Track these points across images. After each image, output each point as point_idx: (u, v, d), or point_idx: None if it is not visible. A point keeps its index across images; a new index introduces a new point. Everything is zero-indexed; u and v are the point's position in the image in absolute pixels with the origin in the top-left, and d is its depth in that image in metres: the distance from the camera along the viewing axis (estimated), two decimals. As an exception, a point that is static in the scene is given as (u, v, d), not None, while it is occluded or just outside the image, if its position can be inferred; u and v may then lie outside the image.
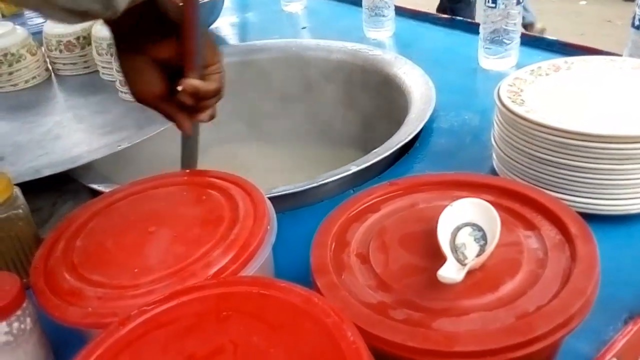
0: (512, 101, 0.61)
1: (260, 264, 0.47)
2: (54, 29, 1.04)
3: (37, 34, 1.08)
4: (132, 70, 0.53)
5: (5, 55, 0.99)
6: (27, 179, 0.69)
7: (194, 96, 0.52)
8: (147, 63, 0.52)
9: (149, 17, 0.49)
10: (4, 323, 0.43)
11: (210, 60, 0.53)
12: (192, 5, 0.49)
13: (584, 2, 4.86)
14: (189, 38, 0.50)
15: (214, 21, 1.32)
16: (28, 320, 0.45)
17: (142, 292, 0.43)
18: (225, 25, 1.38)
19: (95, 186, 0.71)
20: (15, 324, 0.44)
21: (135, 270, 0.45)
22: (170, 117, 0.56)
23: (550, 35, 1.05)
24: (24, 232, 0.56)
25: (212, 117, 0.56)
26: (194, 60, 0.51)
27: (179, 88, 0.51)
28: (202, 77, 0.53)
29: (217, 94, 0.54)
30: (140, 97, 0.55)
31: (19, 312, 0.44)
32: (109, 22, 0.51)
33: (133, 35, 0.50)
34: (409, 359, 0.35)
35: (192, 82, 0.51)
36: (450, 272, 0.37)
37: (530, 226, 0.44)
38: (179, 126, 0.56)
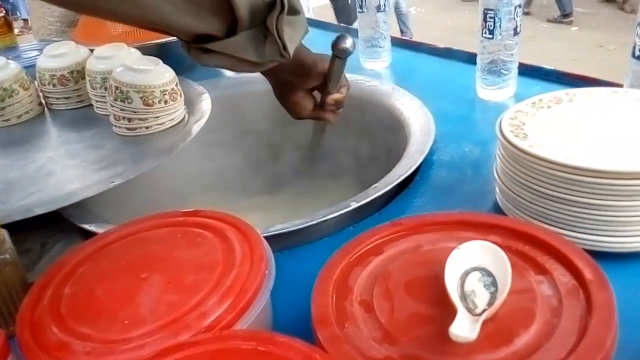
0: (515, 135, 0.60)
1: (258, 311, 0.44)
2: (47, 63, 1.03)
3: (29, 67, 1.06)
4: (292, 103, 0.78)
5: (-3, 90, 0.98)
6: (17, 218, 0.67)
7: (335, 104, 0.81)
8: (302, 94, 0.78)
9: (300, 65, 0.72)
10: (-15, 381, 0.40)
11: (341, 81, 0.80)
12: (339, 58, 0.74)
13: (576, 28, 4.94)
14: (332, 73, 0.76)
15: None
16: (12, 376, 0.42)
17: (132, 346, 0.41)
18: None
19: (87, 226, 0.69)
20: (-2, 382, 0.41)
21: (126, 321, 0.43)
22: (319, 118, 0.83)
23: (543, 61, 1.04)
24: (11, 277, 0.54)
25: (337, 117, 0.84)
26: (334, 83, 0.78)
27: (329, 101, 0.80)
28: (337, 91, 0.80)
29: (343, 101, 0.82)
30: (299, 116, 0.81)
31: (1, 368, 0.41)
32: (270, 74, 0.73)
33: (290, 79, 0.75)
34: (420, 422, 0.32)
35: (335, 96, 0.79)
36: (464, 329, 0.35)
37: (542, 270, 0.42)
38: (327, 121, 0.83)
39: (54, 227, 0.73)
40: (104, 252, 0.52)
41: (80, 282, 0.49)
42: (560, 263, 0.42)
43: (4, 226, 0.56)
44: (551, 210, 0.56)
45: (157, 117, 0.89)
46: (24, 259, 0.67)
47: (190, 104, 0.96)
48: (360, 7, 1.13)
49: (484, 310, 0.37)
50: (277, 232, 0.64)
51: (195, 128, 0.88)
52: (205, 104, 0.95)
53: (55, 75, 1.02)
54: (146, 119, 0.89)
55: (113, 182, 0.75)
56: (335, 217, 0.67)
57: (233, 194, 1.13)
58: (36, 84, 1.05)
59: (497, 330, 0.37)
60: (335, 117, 0.83)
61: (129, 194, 0.88)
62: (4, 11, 1.50)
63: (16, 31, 1.64)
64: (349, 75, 1.09)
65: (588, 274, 0.39)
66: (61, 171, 0.83)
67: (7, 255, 0.54)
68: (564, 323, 0.37)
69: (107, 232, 0.55)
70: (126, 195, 0.87)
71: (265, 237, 0.52)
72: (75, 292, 0.48)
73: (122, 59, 0.93)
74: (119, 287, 0.47)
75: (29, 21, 1.66)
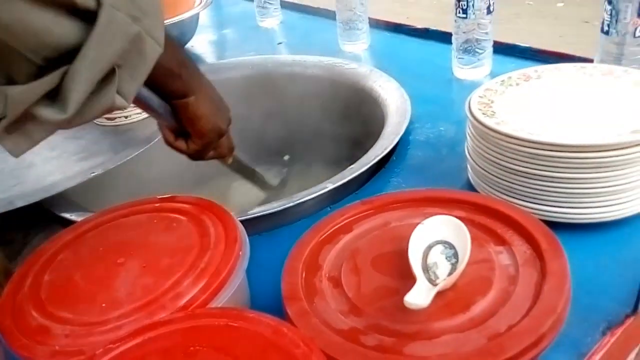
0: (483, 113, 0.61)
1: (232, 291, 0.46)
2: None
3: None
4: None
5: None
6: None
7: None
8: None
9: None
10: (-32, 366, 0.42)
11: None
12: None
13: (561, 4, 4.93)
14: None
15: (189, 39, 1.31)
16: (-6, 361, 0.44)
17: (110, 327, 0.42)
18: (202, 42, 1.38)
19: (68, 215, 0.70)
20: (-20, 367, 0.42)
21: (103, 305, 0.44)
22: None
23: (529, 38, 1.05)
24: (-8, 267, 0.55)
25: (222, 155, 0.72)
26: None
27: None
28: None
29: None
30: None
31: (-17, 354, 0.43)
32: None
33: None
34: (381, 387, 0.34)
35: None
36: (417, 297, 0.36)
37: (502, 242, 0.43)
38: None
39: (36, 217, 0.74)
40: (82, 240, 0.53)
41: (59, 269, 0.50)
42: (519, 234, 0.44)
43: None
44: (517, 185, 0.58)
45: (135, 107, 0.90)
46: (7, 249, 0.68)
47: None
48: (338, -11, 1.14)
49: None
50: (255, 215, 0.66)
51: (174, 116, 0.89)
52: (184, 92, 0.96)
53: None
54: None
55: (93, 173, 0.76)
56: (312, 198, 0.68)
57: (214, 180, 1.14)
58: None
59: (455, 298, 0.39)
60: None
61: (110, 183, 0.88)
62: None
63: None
64: (327, 59, 1.11)
65: (544, 244, 0.41)
66: (42, 163, 0.84)
67: (-12, 246, 0.55)
68: (519, 290, 0.38)
69: (85, 220, 0.56)
70: (107, 185, 0.88)
71: (244, 220, 0.54)
72: (54, 278, 0.49)
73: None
74: (97, 272, 0.48)
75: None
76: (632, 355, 0.50)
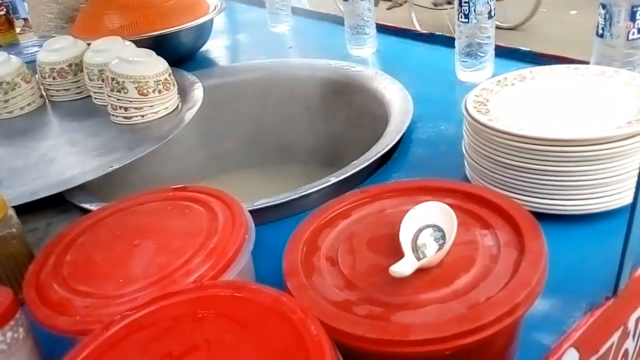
0: (477, 111, 0.65)
1: (238, 270, 0.50)
2: (47, 57, 1.08)
3: (31, 62, 1.12)
4: None
5: (0, 83, 1.03)
6: (24, 201, 0.72)
7: None
8: None
9: None
10: (-2, 333, 0.46)
11: None
12: None
13: (574, 12, 4.93)
14: None
15: (204, 43, 1.36)
16: (21, 330, 0.48)
17: (126, 300, 0.46)
18: (216, 47, 1.43)
19: (87, 205, 0.74)
20: (9, 334, 0.47)
21: (120, 280, 0.48)
22: None
23: (542, 45, 1.08)
24: (18, 250, 0.60)
25: None
26: None
27: None
28: None
29: None
30: None
31: (12, 323, 0.47)
32: None
33: None
34: (370, 349, 0.38)
35: None
36: (401, 266, 0.40)
37: (487, 225, 0.47)
38: None
39: (58, 208, 0.78)
40: (100, 224, 0.58)
41: (80, 250, 0.54)
42: (503, 219, 0.47)
43: (14, 207, 0.61)
44: (508, 178, 0.61)
45: (151, 106, 0.95)
46: (31, 237, 0.72)
47: (184, 93, 1.01)
48: (345, -5, 1.18)
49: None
50: (262, 206, 0.70)
51: (188, 115, 0.94)
52: (198, 93, 1.00)
53: (54, 69, 1.08)
54: (141, 107, 0.94)
55: (112, 167, 0.81)
56: (316, 191, 0.72)
57: (224, 178, 1.18)
58: (37, 77, 1.10)
59: (441, 274, 0.42)
60: None
61: (127, 180, 0.93)
62: (5, 9, 1.55)
63: (17, 30, 1.70)
64: (335, 62, 1.15)
65: (524, 226, 0.44)
66: (63, 158, 0.89)
67: (14, 230, 0.59)
68: (499, 267, 0.42)
69: (103, 207, 0.61)
70: (124, 182, 0.93)
71: (251, 210, 0.57)
72: (75, 258, 0.53)
73: (118, 52, 0.98)
74: (114, 252, 0.52)
75: (29, 20, 1.71)
76: (615, 337, 0.53)
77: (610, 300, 0.50)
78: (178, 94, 1.00)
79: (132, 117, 0.94)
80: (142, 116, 0.95)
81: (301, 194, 0.71)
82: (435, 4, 4.25)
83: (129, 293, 0.47)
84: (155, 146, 0.87)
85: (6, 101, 1.04)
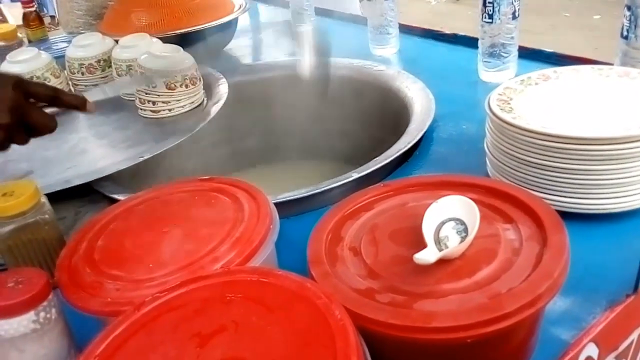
0: (501, 109, 0.65)
1: (263, 258, 0.51)
2: (75, 52, 1.11)
3: (60, 58, 1.15)
4: None
5: (31, 78, 1.06)
6: (57, 188, 0.75)
7: None
8: None
9: None
10: (31, 312, 0.48)
11: None
12: None
13: (598, 17, 4.87)
14: None
15: (229, 42, 1.38)
16: (53, 310, 0.50)
17: (156, 283, 0.48)
18: (240, 45, 1.44)
19: (115, 196, 0.76)
20: (42, 314, 0.48)
21: (150, 265, 0.50)
22: None
23: (564, 50, 1.08)
24: (50, 235, 0.62)
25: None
26: None
27: None
28: None
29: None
30: None
31: (45, 303, 0.49)
32: None
33: None
34: (392, 335, 0.39)
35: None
36: (425, 254, 0.41)
37: (509, 220, 0.48)
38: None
39: (86, 198, 0.81)
40: (130, 212, 0.60)
41: (111, 236, 0.56)
42: (526, 213, 0.47)
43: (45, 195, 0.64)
44: (532, 176, 0.62)
45: (178, 100, 0.97)
46: (60, 224, 0.75)
47: (209, 89, 1.03)
48: (368, -4, 1.19)
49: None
50: (286, 199, 0.71)
51: (215, 109, 0.95)
52: (223, 88, 1.02)
53: (83, 64, 1.10)
54: (169, 102, 0.96)
55: (142, 157, 0.83)
56: (338, 186, 0.73)
57: (246, 173, 1.20)
58: (66, 72, 1.13)
59: (463, 266, 0.43)
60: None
61: (153, 173, 0.95)
62: (35, 5, 1.59)
63: (46, 26, 1.74)
64: (357, 61, 1.16)
65: (547, 221, 0.45)
66: (93, 149, 0.92)
67: (47, 216, 0.61)
68: (521, 260, 0.42)
69: (133, 196, 0.63)
70: (150, 174, 0.95)
71: (276, 203, 0.59)
72: (106, 244, 0.55)
73: (146, 48, 1.00)
74: (144, 239, 0.54)
75: (56, 17, 1.75)
76: (635, 334, 0.54)
77: (630, 298, 0.50)
78: (203, 89, 1.02)
79: (159, 111, 0.97)
80: (170, 110, 0.97)
81: (323, 189, 0.72)
82: None
83: (159, 277, 0.48)
84: (183, 138, 0.88)
85: (37, 95, 1.07)
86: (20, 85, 0.58)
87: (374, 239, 0.49)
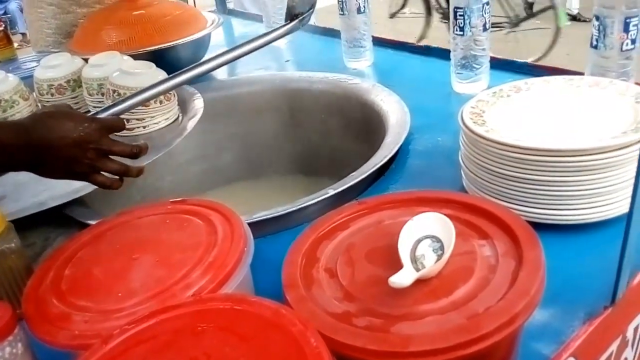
0: (474, 122, 0.65)
1: (237, 282, 0.50)
2: (44, 73, 1.08)
3: (29, 78, 1.12)
4: None
5: (-1, 101, 1.04)
6: (33, 211, 0.73)
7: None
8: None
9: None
10: (-4, 348, 0.46)
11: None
12: None
13: (568, 23, 4.97)
14: None
15: (202, 57, 1.37)
16: (19, 345, 0.47)
17: (125, 314, 0.46)
18: (213, 61, 1.43)
19: (86, 220, 0.74)
20: (7, 349, 0.46)
21: (120, 294, 0.48)
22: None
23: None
24: (16, 264, 0.60)
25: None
26: None
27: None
28: None
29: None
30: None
31: (10, 338, 0.47)
32: None
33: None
34: (369, 361, 0.38)
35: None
36: (400, 277, 0.40)
37: (484, 236, 0.47)
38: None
39: (56, 223, 0.78)
40: (99, 238, 0.58)
41: (79, 264, 0.54)
42: (501, 229, 0.47)
43: (12, 221, 0.61)
44: (505, 188, 0.61)
45: (153, 117, 0.95)
46: (29, 251, 0.72)
47: (184, 104, 1.02)
48: (342, 9, 1.19)
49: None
50: (261, 218, 0.70)
51: (191, 124, 0.94)
52: (198, 103, 1.01)
53: (52, 85, 1.08)
54: (143, 118, 0.95)
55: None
56: (314, 203, 0.72)
57: (222, 190, 1.19)
58: (35, 94, 1.11)
59: (440, 285, 0.42)
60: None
61: (125, 194, 0.93)
62: (3, 25, 1.56)
63: (15, 45, 1.71)
64: (332, 75, 1.16)
65: (522, 236, 0.45)
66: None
67: (13, 244, 0.59)
68: (498, 277, 0.42)
69: (101, 222, 0.61)
70: (123, 195, 0.93)
71: (250, 223, 0.57)
72: (74, 272, 0.53)
73: (117, 66, 0.99)
74: (114, 267, 0.52)
75: (27, 34, 1.72)
76: (614, 345, 0.53)
77: (608, 310, 0.50)
78: (178, 105, 1.00)
79: (134, 129, 0.95)
80: (144, 127, 0.95)
81: (299, 206, 0.71)
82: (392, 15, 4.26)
83: (128, 307, 0.47)
84: (159, 154, 0.86)
85: (4, 119, 1.04)
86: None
87: (350, 259, 0.48)
